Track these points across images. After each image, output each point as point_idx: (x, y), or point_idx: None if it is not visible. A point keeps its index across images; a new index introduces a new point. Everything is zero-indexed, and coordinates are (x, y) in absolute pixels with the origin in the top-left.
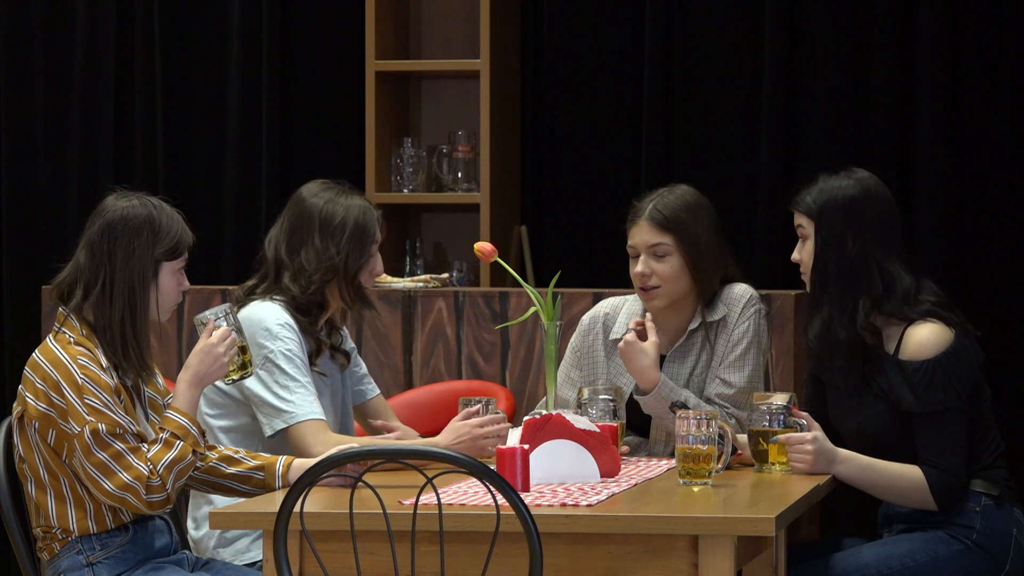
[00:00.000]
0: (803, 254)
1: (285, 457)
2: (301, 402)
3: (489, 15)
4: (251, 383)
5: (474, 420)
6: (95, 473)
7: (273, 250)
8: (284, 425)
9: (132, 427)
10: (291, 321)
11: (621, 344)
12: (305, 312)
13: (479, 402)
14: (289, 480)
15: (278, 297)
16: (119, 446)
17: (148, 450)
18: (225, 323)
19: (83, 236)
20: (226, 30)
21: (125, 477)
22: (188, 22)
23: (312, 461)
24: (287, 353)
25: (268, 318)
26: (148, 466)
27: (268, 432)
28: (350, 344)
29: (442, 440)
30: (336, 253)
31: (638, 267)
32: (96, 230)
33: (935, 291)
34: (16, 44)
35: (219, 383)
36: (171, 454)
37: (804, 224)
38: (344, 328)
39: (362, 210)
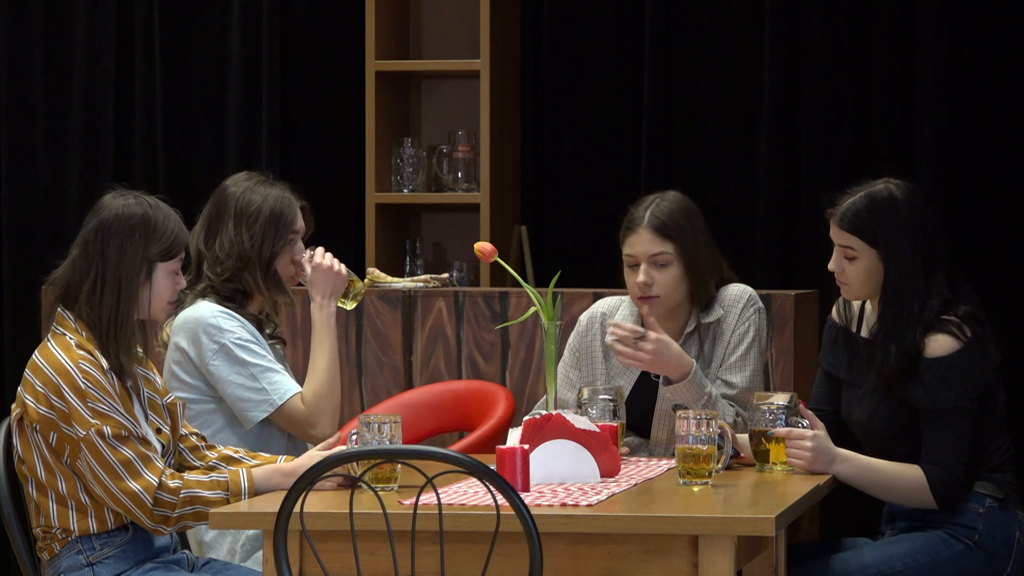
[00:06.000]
0: (851, 271)
1: (285, 457)
2: (277, 383)
3: (489, 15)
4: (219, 381)
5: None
6: (102, 475)
7: (194, 242)
8: (270, 410)
9: (137, 431)
10: (225, 309)
11: (649, 347)
12: (229, 300)
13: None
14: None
15: (208, 294)
16: (128, 452)
17: (168, 470)
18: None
19: (80, 234)
20: (226, 30)
21: (133, 485)
22: (188, 22)
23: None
24: (238, 342)
25: (205, 315)
26: (158, 480)
27: (253, 422)
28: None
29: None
30: (249, 239)
31: (640, 277)
32: (91, 228)
33: (971, 298)
34: (16, 44)
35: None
36: (204, 493)
37: (856, 247)
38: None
39: (279, 199)
